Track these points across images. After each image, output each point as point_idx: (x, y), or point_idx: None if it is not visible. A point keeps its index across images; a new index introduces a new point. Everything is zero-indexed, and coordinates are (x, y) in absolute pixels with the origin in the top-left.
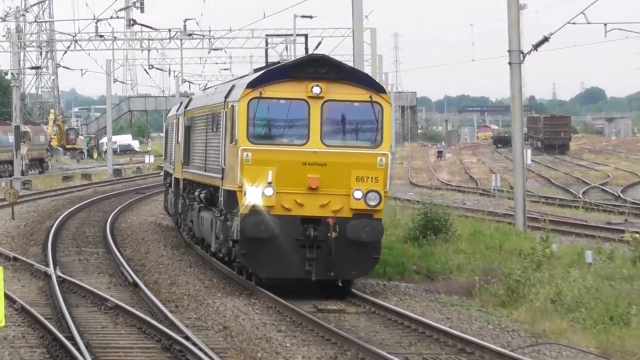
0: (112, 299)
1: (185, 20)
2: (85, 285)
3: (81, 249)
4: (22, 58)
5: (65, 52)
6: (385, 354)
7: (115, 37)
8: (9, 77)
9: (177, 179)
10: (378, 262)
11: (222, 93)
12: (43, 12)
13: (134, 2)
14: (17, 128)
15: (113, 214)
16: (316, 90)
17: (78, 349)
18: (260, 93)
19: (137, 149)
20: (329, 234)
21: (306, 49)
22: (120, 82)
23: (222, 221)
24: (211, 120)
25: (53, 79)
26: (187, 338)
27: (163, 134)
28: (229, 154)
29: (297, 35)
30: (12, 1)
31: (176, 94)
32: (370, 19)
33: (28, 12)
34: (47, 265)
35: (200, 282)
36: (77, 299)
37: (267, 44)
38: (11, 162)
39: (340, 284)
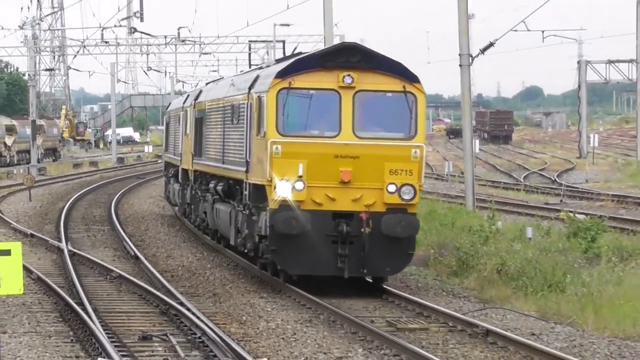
0: (116, 269)
1: (179, 28)
2: (93, 258)
3: (89, 226)
4: (37, 61)
5: (75, 56)
6: (353, 317)
7: (118, 43)
8: (26, 77)
9: (185, 170)
10: None
11: (243, 84)
12: (56, 21)
13: (135, 13)
14: (33, 122)
15: (117, 196)
16: (348, 80)
17: (87, 313)
18: (290, 83)
19: (138, 140)
20: (361, 229)
21: (284, 53)
22: (122, 82)
23: (246, 215)
24: (230, 112)
25: (64, 79)
26: (181, 304)
27: (162, 127)
28: (255, 146)
29: (277, 41)
30: (29, 11)
31: (171, 92)
32: (340, 26)
33: (43, 21)
34: (59, 240)
35: (193, 255)
36: (85, 270)
37: (250, 48)
38: (28, 151)
39: (371, 280)
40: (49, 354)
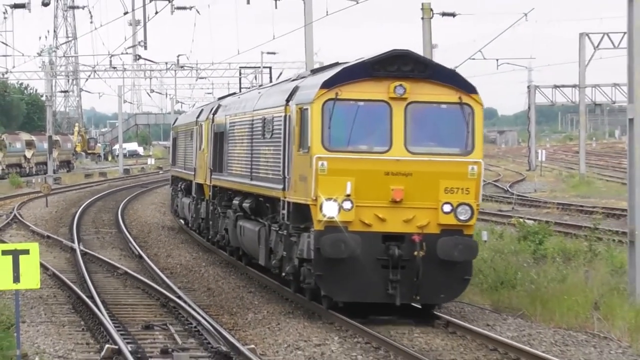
0: (122, 267)
1: (178, 55)
2: (101, 257)
3: (99, 229)
4: (53, 84)
5: (87, 79)
6: (330, 310)
7: (125, 68)
8: (43, 98)
9: (199, 185)
10: None
11: (276, 95)
12: (70, 49)
13: (139, 42)
14: (50, 137)
15: (123, 203)
16: (399, 90)
17: (96, 305)
18: (337, 94)
19: (142, 154)
20: (414, 253)
21: (270, 78)
22: (128, 102)
23: (284, 237)
24: (260, 125)
25: (77, 100)
26: (179, 297)
27: (163, 142)
28: (296, 162)
29: (264, 67)
30: (46, 40)
31: (171, 111)
32: (320, 54)
33: (58, 49)
34: (72, 241)
35: (189, 255)
36: (95, 267)
37: (240, 74)
38: (45, 163)
39: (420, 307)
40: (62, 341)
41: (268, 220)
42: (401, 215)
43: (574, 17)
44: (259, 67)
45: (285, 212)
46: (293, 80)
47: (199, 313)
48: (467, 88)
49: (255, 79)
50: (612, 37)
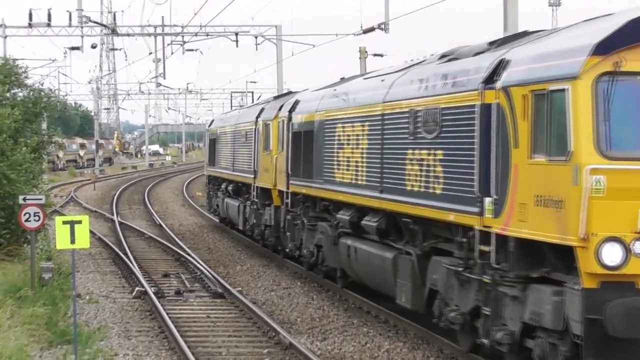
0: (148, 232)
1: (188, 83)
2: (133, 225)
3: (131, 206)
4: (99, 103)
5: (123, 100)
6: (294, 264)
7: (149, 92)
8: (92, 113)
9: (264, 190)
10: None
11: (447, 78)
12: (110, 78)
13: (160, 74)
14: (96, 141)
15: (148, 187)
16: None
17: (129, 259)
18: (617, 64)
19: (162, 153)
20: None
21: (252, 100)
22: (152, 116)
23: (490, 291)
24: (408, 121)
25: (116, 115)
26: (188, 254)
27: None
28: (523, 176)
29: (247, 91)
30: (94, 72)
31: (182, 123)
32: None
33: (102, 78)
34: (112, 214)
35: (195, 224)
36: (128, 232)
37: (231, 97)
38: (93, 159)
39: None
40: (105, 285)
41: (415, 248)
42: None
43: None
44: (245, 92)
45: (492, 249)
46: (445, 57)
47: (202, 265)
48: None
49: (242, 99)
50: None
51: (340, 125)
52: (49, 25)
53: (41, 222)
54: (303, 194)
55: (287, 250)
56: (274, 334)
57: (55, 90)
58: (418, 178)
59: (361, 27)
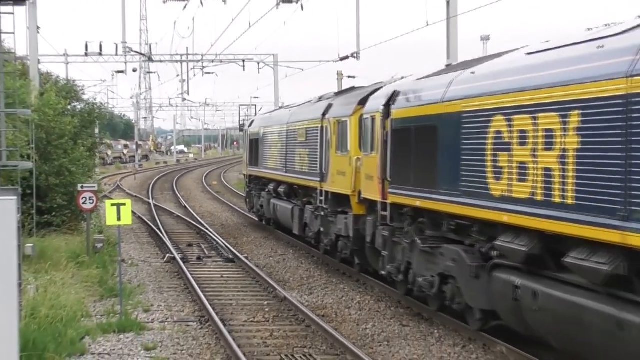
0: (176, 212)
1: (206, 98)
2: (165, 207)
3: (163, 192)
4: (138, 114)
5: (157, 111)
6: (288, 236)
7: (177, 105)
8: (133, 121)
9: (336, 195)
10: None
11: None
12: (147, 94)
13: (185, 90)
14: (136, 142)
15: (176, 178)
16: None
17: (162, 233)
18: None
19: (186, 151)
20: None
21: (255, 113)
22: (178, 124)
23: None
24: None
25: (151, 122)
26: (206, 228)
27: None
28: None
29: (251, 105)
30: (135, 89)
31: (202, 129)
32: (283, 97)
33: (141, 94)
34: (149, 199)
35: (213, 206)
36: (161, 212)
37: (239, 110)
38: (134, 156)
39: None
40: (143, 252)
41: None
42: None
43: None
44: (249, 105)
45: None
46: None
47: (217, 237)
48: None
49: (247, 111)
50: None
51: (502, 117)
52: (100, 54)
53: (95, 204)
54: (414, 207)
55: (382, 273)
56: (272, 289)
57: (105, 104)
58: (588, 185)
59: (339, 55)
